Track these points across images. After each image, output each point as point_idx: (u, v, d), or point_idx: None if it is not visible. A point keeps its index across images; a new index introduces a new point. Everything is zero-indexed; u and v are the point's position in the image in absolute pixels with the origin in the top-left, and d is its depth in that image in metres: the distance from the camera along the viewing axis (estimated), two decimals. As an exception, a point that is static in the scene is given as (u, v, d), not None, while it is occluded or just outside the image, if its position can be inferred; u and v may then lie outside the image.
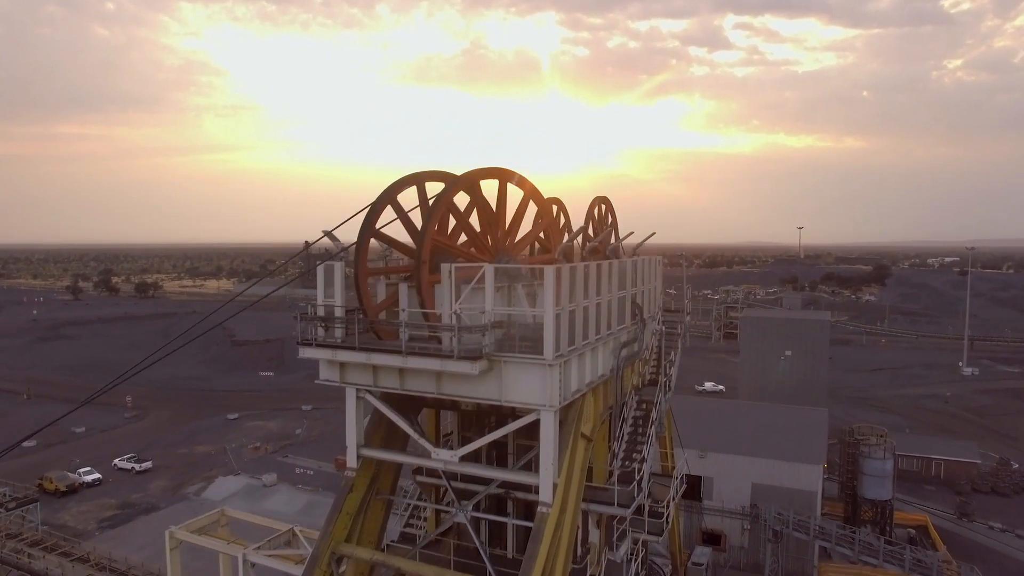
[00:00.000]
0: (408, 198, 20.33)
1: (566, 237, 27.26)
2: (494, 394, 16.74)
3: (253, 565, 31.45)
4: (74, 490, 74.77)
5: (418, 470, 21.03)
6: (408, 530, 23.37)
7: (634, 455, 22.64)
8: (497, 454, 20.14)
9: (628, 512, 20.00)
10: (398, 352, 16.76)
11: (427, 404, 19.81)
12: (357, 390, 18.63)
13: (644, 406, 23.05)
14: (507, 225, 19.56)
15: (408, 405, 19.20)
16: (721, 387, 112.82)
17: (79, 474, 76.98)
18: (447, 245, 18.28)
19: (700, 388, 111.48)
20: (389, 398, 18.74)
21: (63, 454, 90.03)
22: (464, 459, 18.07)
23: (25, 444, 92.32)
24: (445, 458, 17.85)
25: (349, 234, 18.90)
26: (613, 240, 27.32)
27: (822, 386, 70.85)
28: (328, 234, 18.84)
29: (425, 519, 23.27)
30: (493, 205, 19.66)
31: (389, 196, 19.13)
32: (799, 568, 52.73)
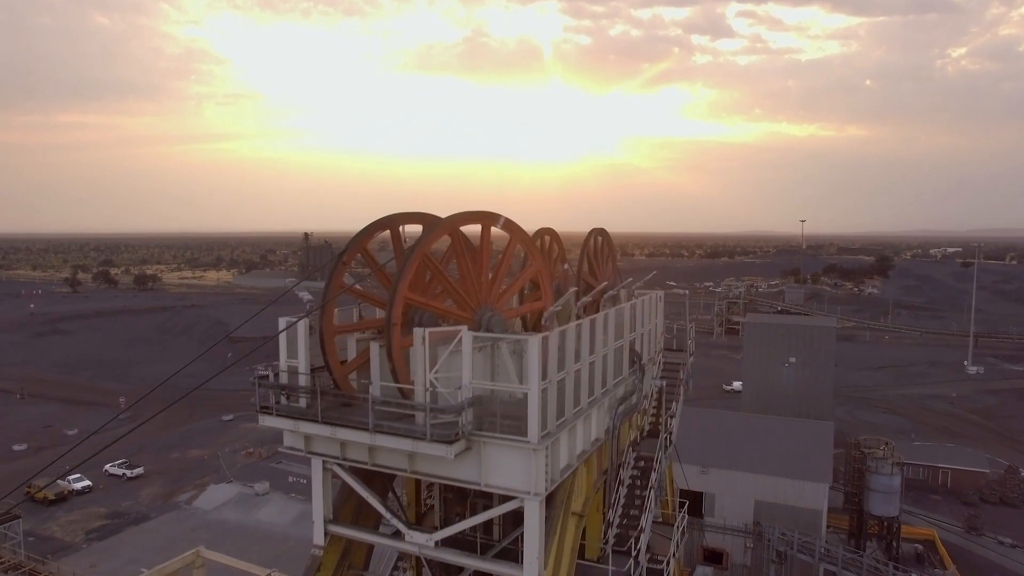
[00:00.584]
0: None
1: (564, 266, 25.41)
2: (473, 476, 14.92)
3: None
4: (63, 498, 73.30)
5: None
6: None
7: (632, 511, 20.89)
8: (484, 526, 18.32)
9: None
10: (365, 428, 14.94)
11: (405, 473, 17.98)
12: (324, 461, 16.81)
13: (642, 462, 21.21)
14: (492, 275, 17.65)
15: (383, 475, 17.39)
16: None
17: (69, 481, 75.42)
18: (422, 304, 16.38)
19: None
20: (360, 470, 16.92)
21: (54, 458, 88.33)
22: (445, 540, 16.28)
23: (16, 448, 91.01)
24: (420, 542, 16.04)
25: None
26: (607, 270, 25.40)
27: (827, 395, 68.99)
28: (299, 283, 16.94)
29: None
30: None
31: (358, 244, 17.23)
32: (804, 590, 51.27)
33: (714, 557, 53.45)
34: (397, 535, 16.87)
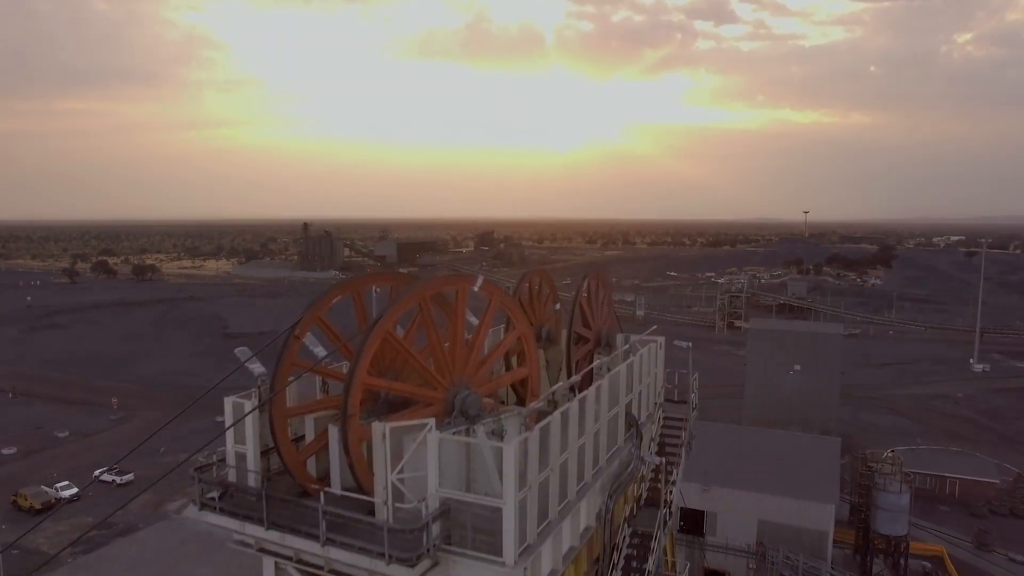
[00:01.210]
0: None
1: (556, 306, 23.31)
2: (442, 596, 12.92)
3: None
4: (50, 507, 71.50)
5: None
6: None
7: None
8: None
9: None
10: (316, 538, 12.92)
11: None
12: (276, 561, 14.81)
13: (638, 539, 19.15)
14: (468, 345, 15.53)
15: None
16: None
17: (56, 488, 73.70)
18: (384, 387, 14.29)
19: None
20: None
21: (43, 463, 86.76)
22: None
23: (5, 451, 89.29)
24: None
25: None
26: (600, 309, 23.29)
27: (833, 404, 67.00)
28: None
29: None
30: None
31: (313, 314, 15.14)
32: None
33: (716, 578, 51.85)
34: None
